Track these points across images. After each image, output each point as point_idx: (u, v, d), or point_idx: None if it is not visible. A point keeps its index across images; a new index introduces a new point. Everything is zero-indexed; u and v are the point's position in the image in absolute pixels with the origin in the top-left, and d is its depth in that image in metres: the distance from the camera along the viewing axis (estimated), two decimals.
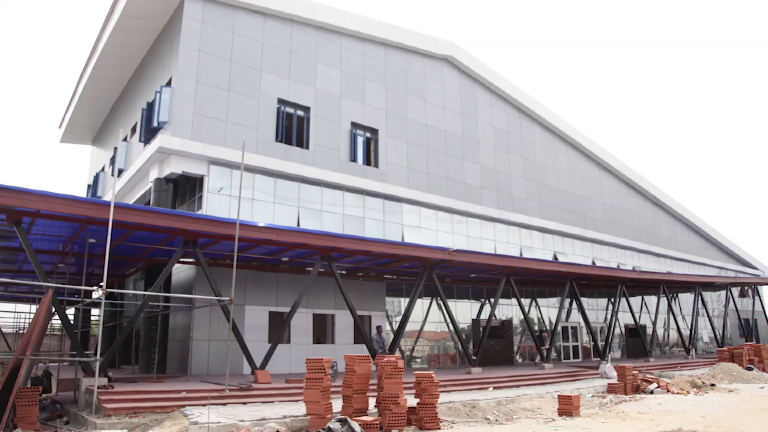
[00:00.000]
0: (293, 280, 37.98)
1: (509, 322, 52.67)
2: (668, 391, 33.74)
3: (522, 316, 50.92)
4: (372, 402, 22.44)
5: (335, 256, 32.83)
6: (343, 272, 39.92)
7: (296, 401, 24.83)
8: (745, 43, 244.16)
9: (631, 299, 60.98)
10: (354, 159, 43.07)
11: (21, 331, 50.54)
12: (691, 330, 62.15)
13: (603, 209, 68.25)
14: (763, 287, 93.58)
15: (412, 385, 26.18)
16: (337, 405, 22.40)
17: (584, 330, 58.52)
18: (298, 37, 41.95)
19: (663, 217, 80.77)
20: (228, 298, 24.53)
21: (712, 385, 36.31)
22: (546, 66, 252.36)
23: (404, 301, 44.34)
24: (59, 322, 34.30)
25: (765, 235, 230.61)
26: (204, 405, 22.27)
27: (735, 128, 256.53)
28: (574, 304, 56.90)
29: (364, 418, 18.81)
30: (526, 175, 58.06)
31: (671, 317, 66.73)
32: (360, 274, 41.53)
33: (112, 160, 49.39)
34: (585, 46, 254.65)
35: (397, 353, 39.37)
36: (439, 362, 46.77)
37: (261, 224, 27.93)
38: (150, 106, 38.66)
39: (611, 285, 54.09)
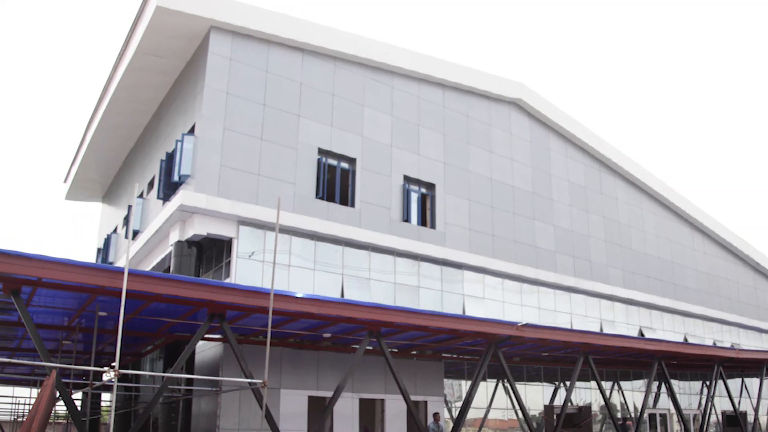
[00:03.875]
0: (336, 359, 37.30)
1: (587, 408, 51.57)
2: None
3: (602, 402, 49.73)
4: None
5: (385, 331, 32.11)
6: (395, 350, 39.19)
7: None
8: None
9: (730, 382, 59.50)
10: (407, 219, 42.59)
11: (20, 419, 50.30)
12: None
13: (696, 277, 67.06)
14: None
15: None
16: None
17: (675, 418, 57.27)
18: (343, 77, 41.76)
19: (767, 287, 79.14)
20: (261, 381, 23.96)
21: None
22: (626, 112, 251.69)
23: (465, 384, 43.60)
24: (64, 408, 33.89)
25: None
26: None
27: None
28: (663, 388, 55.65)
29: None
30: (607, 237, 57.24)
31: None
32: (414, 352, 40.74)
33: (126, 220, 49.50)
34: (669, 90, 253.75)
35: None
36: None
37: (299, 295, 27.46)
38: (170, 158, 38.54)
39: (706, 365, 52.94)
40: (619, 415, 53.24)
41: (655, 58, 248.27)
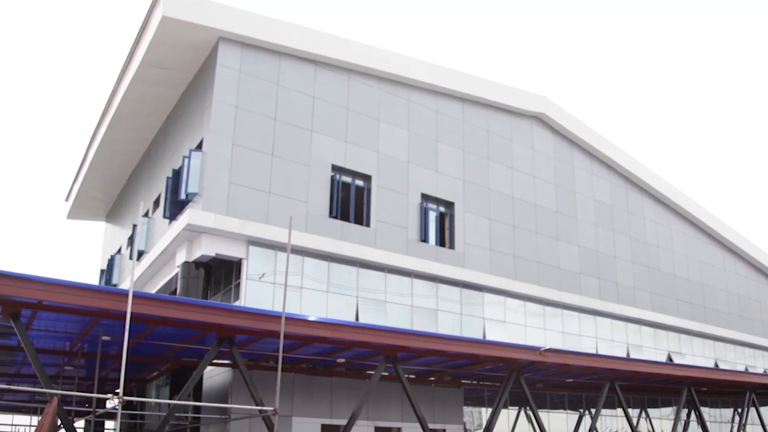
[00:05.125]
0: (351, 385, 37.13)
1: None
2: None
3: (629, 430, 49.29)
4: None
5: (402, 356, 31.91)
6: (412, 376, 38.95)
7: None
8: None
9: (763, 409, 59.03)
10: (425, 239, 42.42)
11: None
12: None
13: (727, 300, 66.65)
14: None
15: None
16: None
17: None
18: (357, 90, 41.68)
19: None
20: (272, 408, 23.79)
21: None
22: (653, 127, 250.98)
23: (486, 412, 43.41)
24: None
25: None
26: None
27: None
28: (693, 416, 55.22)
29: None
30: (634, 258, 56.97)
31: None
32: (432, 378, 40.54)
33: (131, 240, 49.40)
34: (699, 105, 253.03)
35: None
36: None
37: (311, 318, 27.32)
38: (176, 175, 38.47)
39: (738, 392, 52.51)
40: None
41: (686, 70, 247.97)
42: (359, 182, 40.75)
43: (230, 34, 36.89)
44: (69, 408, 32.71)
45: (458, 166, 45.42)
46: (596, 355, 41.02)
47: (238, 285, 35.42)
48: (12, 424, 48.59)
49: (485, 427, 34.54)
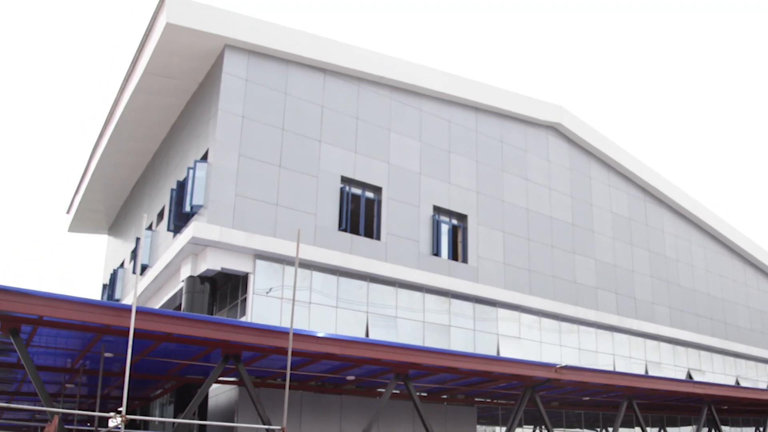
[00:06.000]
0: (361, 404, 36.94)
1: None
2: None
3: None
4: None
5: (413, 374, 31.73)
6: (424, 394, 38.75)
7: None
8: None
9: None
10: (437, 252, 42.25)
11: None
12: None
13: (749, 315, 66.38)
14: None
15: None
16: None
17: None
18: (367, 99, 41.56)
19: None
20: (279, 427, 23.69)
21: None
22: (672, 137, 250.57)
23: (500, 431, 43.13)
24: None
25: None
26: None
27: None
28: None
29: None
30: (653, 272, 56.80)
31: None
32: (444, 396, 40.41)
33: (134, 254, 49.40)
34: (719, 115, 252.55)
35: None
36: None
37: (320, 334, 27.17)
38: (181, 187, 38.35)
39: (760, 410, 52.32)
40: None
41: (707, 78, 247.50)
42: (369, 194, 40.61)
43: (236, 42, 36.79)
44: (70, 427, 32.65)
45: (471, 178, 45.26)
46: (613, 373, 40.84)
47: (245, 300, 35.27)
48: None
49: None
